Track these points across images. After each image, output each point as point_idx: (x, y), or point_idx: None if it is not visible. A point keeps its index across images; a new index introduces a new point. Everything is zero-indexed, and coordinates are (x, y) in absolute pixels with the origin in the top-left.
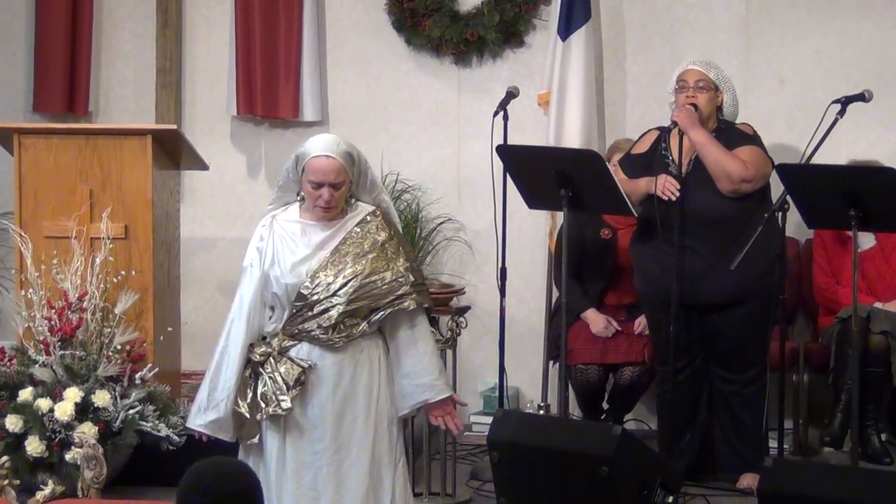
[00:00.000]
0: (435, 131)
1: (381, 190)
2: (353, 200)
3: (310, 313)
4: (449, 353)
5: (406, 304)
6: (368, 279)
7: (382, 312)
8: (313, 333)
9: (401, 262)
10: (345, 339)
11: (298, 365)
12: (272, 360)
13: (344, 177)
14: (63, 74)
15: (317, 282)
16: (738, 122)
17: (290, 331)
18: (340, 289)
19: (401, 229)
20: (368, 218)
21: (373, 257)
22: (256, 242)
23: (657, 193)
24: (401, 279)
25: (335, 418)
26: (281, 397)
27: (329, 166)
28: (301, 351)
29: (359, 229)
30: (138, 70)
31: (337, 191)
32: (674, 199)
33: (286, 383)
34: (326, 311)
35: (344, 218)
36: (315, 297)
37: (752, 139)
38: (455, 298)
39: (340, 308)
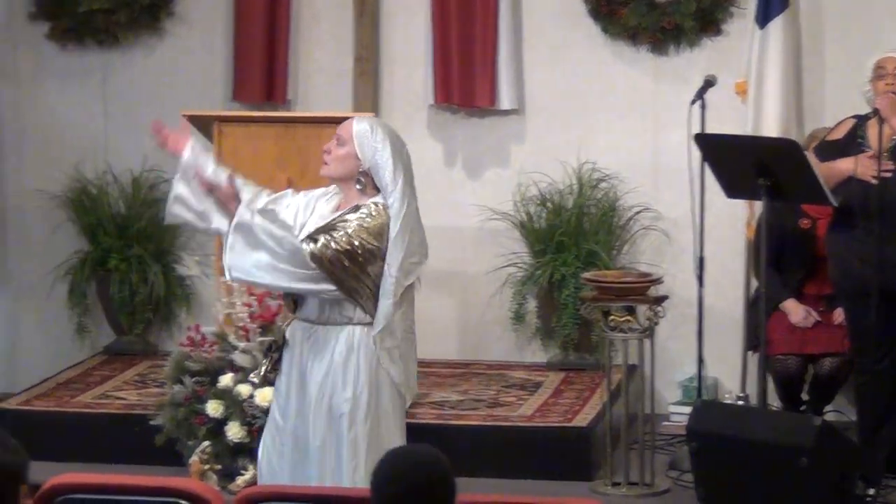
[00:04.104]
0: (631, 120)
1: (400, 192)
2: (362, 189)
3: None
4: (647, 342)
5: None
6: None
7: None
8: None
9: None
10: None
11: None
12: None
13: (347, 136)
14: (261, 63)
15: None
16: None
17: None
18: None
19: (396, 231)
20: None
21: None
22: None
23: (858, 175)
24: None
25: (297, 394)
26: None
27: (345, 123)
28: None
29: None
30: (335, 58)
31: (337, 147)
32: (874, 181)
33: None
34: None
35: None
36: None
37: None
38: (653, 287)
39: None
